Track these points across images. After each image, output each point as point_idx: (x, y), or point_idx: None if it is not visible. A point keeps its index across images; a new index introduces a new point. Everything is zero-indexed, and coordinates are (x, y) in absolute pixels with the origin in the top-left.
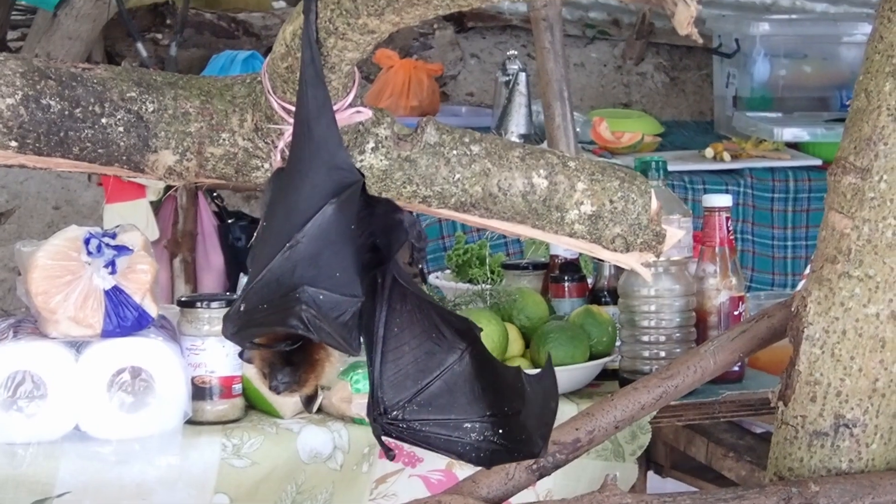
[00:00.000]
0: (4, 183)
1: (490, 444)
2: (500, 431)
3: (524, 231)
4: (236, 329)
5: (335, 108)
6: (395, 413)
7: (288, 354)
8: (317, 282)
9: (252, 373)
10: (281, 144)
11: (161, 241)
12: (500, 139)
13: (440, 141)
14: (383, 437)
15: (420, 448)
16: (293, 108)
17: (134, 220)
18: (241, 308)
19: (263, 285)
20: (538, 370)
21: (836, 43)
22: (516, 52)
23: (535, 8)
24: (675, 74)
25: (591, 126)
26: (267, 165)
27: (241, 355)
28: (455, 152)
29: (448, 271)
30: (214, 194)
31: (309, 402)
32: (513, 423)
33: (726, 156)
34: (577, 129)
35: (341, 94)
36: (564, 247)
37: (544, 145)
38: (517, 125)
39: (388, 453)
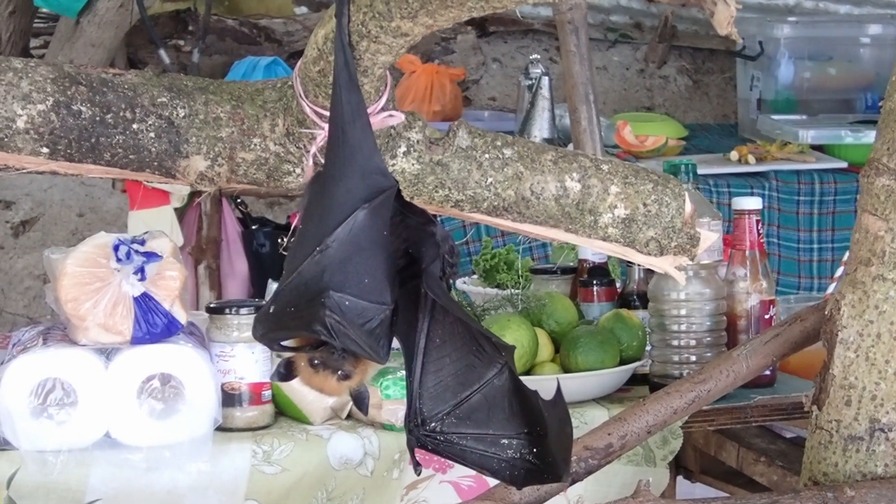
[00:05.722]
0: (29, 191)
1: (525, 463)
2: (535, 451)
3: (557, 235)
4: (265, 331)
5: (368, 111)
6: (433, 425)
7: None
8: (343, 287)
9: None
10: (313, 149)
11: (185, 247)
12: (531, 142)
13: (472, 144)
14: (417, 449)
15: (455, 462)
16: (325, 113)
17: (159, 226)
18: (271, 310)
19: (293, 288)
20: (550, 398)
21: (861, 44)
22: (539, 56)
23: (561, 11)
24: (699, 77)
25: (615, 130)
26: (298, 170)
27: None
28: (487, 156)
29: (475, 276)
30: (238, 200)
31: (360, 401)
32: (544, 443)
33: (751, 159)
34: (602, 133)
35: (374, 98)
36: (597, 251)
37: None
38: (540, 129)
39: (417, 468)
